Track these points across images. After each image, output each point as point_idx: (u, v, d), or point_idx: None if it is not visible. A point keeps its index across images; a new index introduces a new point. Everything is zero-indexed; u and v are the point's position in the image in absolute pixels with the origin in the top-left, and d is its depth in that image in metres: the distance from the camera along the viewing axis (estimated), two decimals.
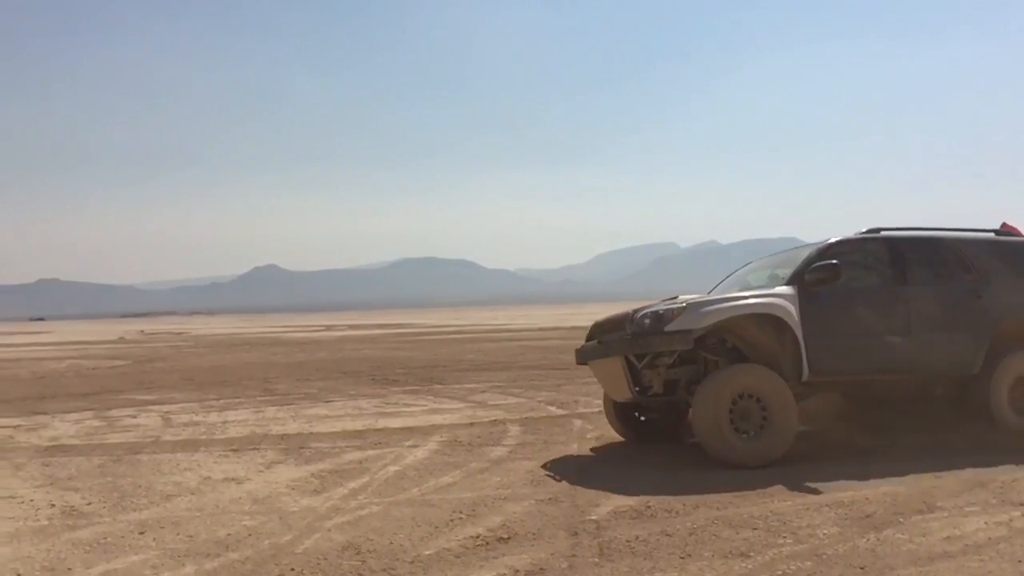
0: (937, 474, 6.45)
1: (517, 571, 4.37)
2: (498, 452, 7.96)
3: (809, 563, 4.39)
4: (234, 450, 8.51)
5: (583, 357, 8.04)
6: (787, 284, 7.47)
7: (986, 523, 5.09)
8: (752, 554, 4.55)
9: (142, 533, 5.31)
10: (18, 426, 10.66)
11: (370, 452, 8.19)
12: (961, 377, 7.89)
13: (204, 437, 9.41)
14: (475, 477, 6.85)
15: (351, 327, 55.27)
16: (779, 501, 5.72)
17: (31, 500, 6.38)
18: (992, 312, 7.93)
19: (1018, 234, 8.81)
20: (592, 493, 6.11)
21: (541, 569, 4.40)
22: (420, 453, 8.12)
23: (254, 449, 8.55)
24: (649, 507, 5.62)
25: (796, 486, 6.09)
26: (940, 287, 7.95)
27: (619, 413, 8.44)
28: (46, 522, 5.70)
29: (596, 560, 4.53)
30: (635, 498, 5.88)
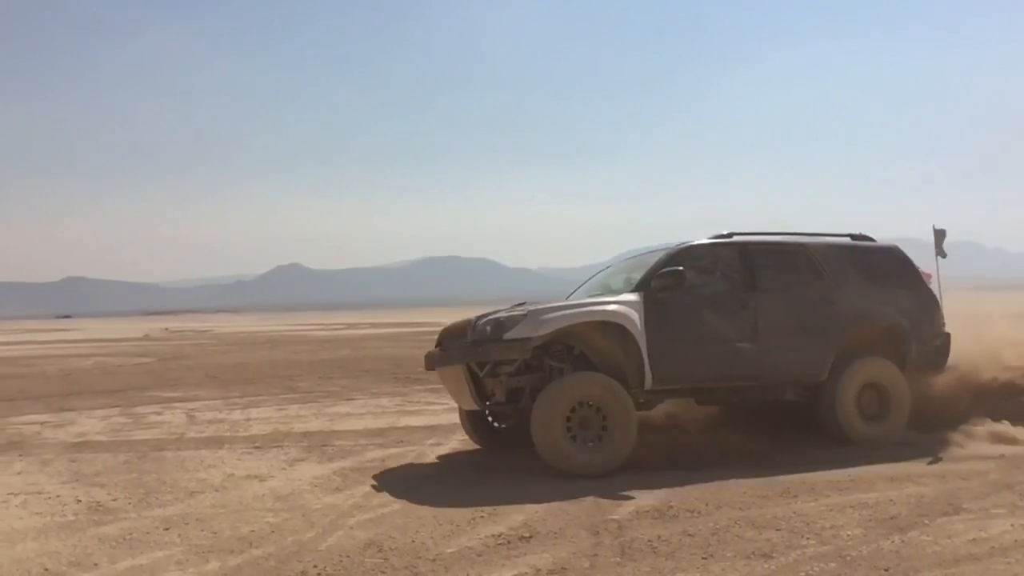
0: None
1: (539, 570, 4.37)
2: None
3: (833, 564, 4.36)
4: (257, 447, 8.58)
5: (429, 364, 7.76)
6: (634, 290, 7.33)
7: (1012, 525, 5.02)
8: (775, 555, 4.53)
9: (167, 529, 5.36)
10: (45, 422, 10.80)
11: (392, 450, 8.22)
12: (810, 383, 7.80)
13: (228, 434, 9.48)
14: (495, 475, 6.86)
15: (373, 325, 55.49)
16: (802, 502, 5.69)
17: (58, 496, 6.46)
18: (842, 318, 7.83)
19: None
20: (614, 492, 6.10)
21: (563, 568, 4.40)
22: (442, 451, 8.15)
23: (277, 447, 8.61)
24: (671, 507, 5.60)
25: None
26: (790, 292, 7.84)
27: (472, 421, 8.16)
28: (72, 517, 5.76)
29: (618, 560, 4.53)
30: (657, 498, 5.87)
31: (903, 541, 4.74)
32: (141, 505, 6.10)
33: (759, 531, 4.99)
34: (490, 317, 7.07)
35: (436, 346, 7.87)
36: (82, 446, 8.85)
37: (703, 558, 4.52)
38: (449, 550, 4.76)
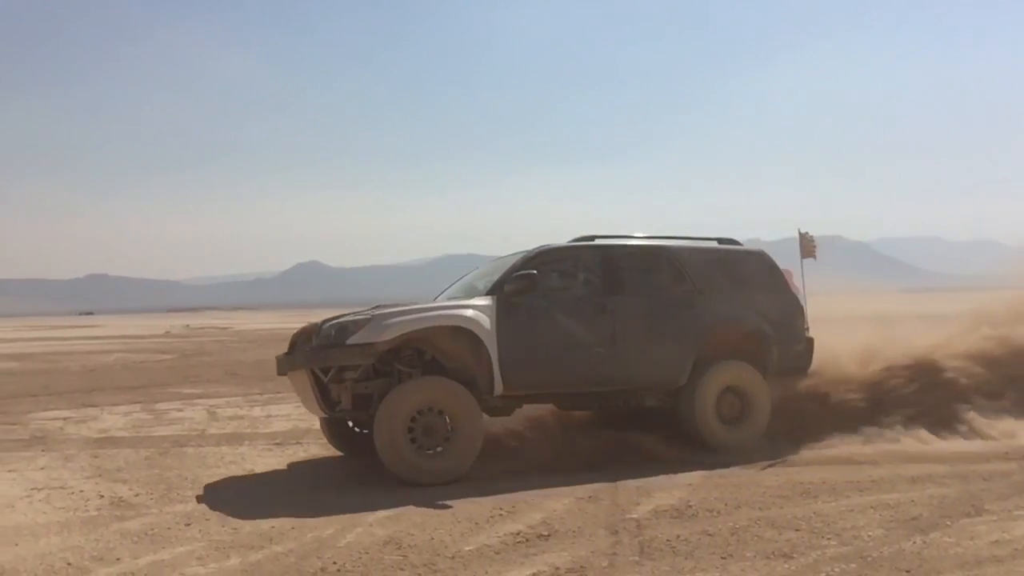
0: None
1: (557, 568, 4.37)
2: None
3: (854, 565, 4.33)
4: (277, 444, 8.64)
5: (279, 368, 7.44)
6: (487, 294, 7.17)
7: None
8: (795, 555, 4.50)
9: (188, 524, 5.40)
10: (68, 418, 10.90)
11: None
12: (670, 388, 7.70)
13: (248, 431, 9.55)
14: (513, 473, 6.87)
15: None
16: (823, 502, 5.66)
17: (81, 491, 6.52)
18: (702, 322, 7.73)
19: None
20: (633, 491, 6.10)
21: (581, 567, 4.39)
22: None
23: (297, 443, 8.66)
24: (690, 506, 5.59)
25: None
26: (651, 297, 7.72)
27: (332, 427, 7.93)
28: (95, 512, 5.82)
29: (637, 559, 4.52)
30: (676, 497, 5.86)
31: (925, 542, 4.70)
32: (163, 501, 6.15)
33: (779, 531, 4.97)
34: (336, 321, 6.92)
35: (288, 349, 7.55)
36: (104, 442, 8.93)
37: (722, 558, 4.50)
38: (467, 548, 4.77)
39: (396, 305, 7.15)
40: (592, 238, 7.92)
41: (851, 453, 7.26)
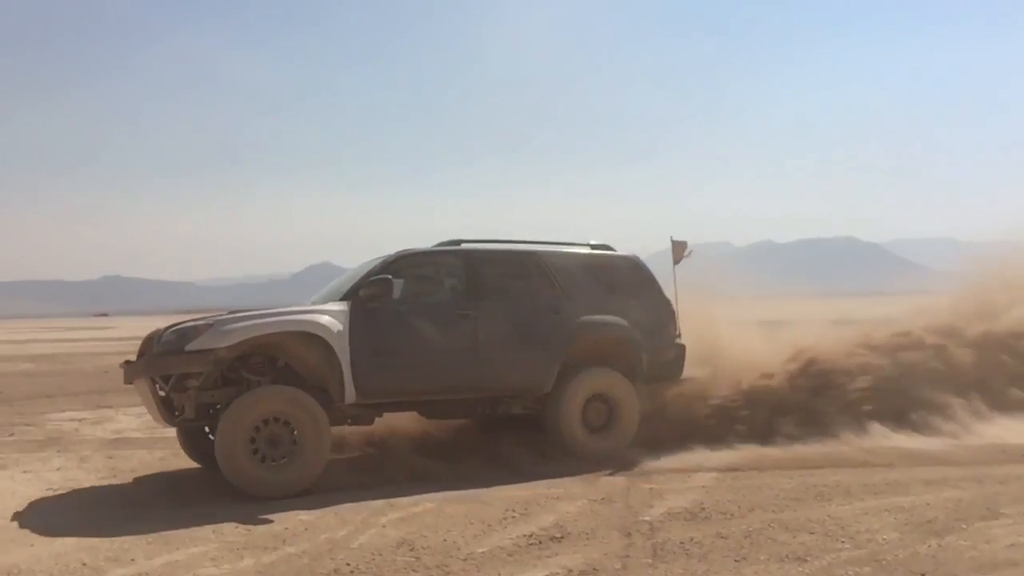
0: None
1: (570, 570, 4.37)
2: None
3: (868, 568, 4.31)
4: None
5: (125, 377, 6.98)
6: (342, 299, 6.96)
7: None
8: (809, 558, 4.49)
9: (202, 525, 5.41)
10: (83, 419, 10.97)
11: None
12: (535, 395, 7.56)
13: None
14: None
15: None
16: (837, 505, 5.63)
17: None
18: (568, 328, 7.59)
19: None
20: (646, 493, 6.08)
21: (594, 569, 4.39)
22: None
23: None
24: (703, 509, 5.58)
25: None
26: (516, 302, 7.58)
27: (188, 436, 7.51)
28: (109, 513, 5.84)
29: (650, 561, 4.51)
30: (690, 500, 5.84)
31: (940, 546, 4.68)
32: (176, 502, 6.17)
33: (793, 534, 4.95)
34: (177, 327, 6.64)
35: (137, 356, 7.05)
36: (119, 443, 8.98)
37: (736, 560, 4.49)
38: (480, 549, 4.77)
39: (249, 309, 6.85)
40: (458, 242, 7.76)
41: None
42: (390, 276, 6.94)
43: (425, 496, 6.10)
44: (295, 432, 6.41)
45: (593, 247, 8.34)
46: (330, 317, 6.72)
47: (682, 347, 8.27)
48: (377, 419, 7.38)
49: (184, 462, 7.58)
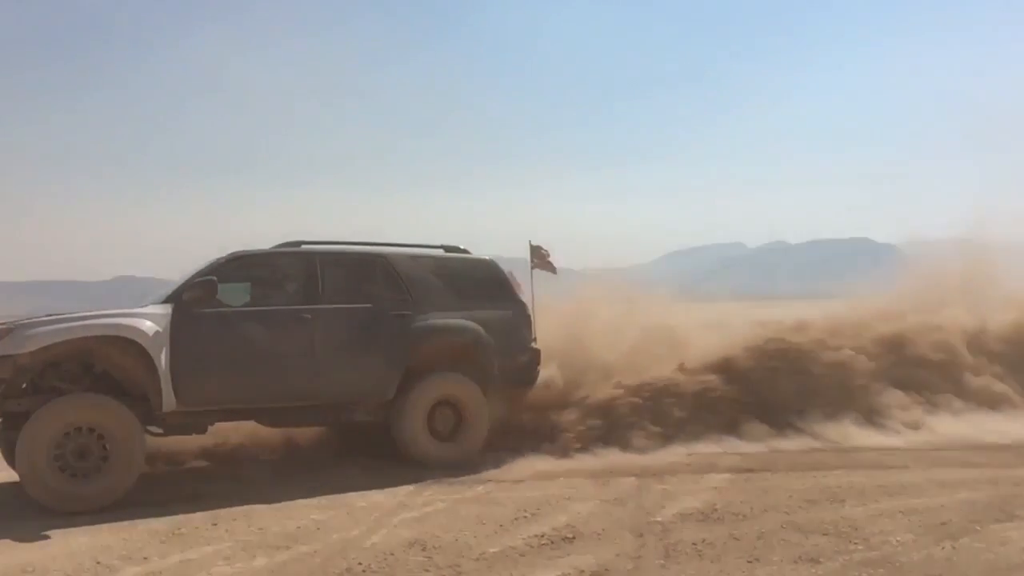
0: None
1: (582, 571, 4.36)
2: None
3: (882, 571, 4.29)
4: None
5: None
6: (166, 301, 6.60)
7: None
8: (822, 560, 4.47)
9: (215, 524, 5.43)
10: None
11: None
12: (377, 402, 7.28)
13: None
14: (541, 478, 6.86)
15: None
16: (851, 507, 5.60)
17: None
18: (414, 333, 7.33)
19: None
20: (658, 494, 6.07)
21: (606, 570, 4.38)
22: None
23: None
24: (716, 510, 5.56)
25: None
26: (359, 306, 7.26)
27: (9, 446, 6.76)
28: (124, 512, 5.86)
29: (662, 562, 4.50)
30: (702, 501, 5.82)
31: (955, 548, 4.65)
32: (191, 501, 6.18)
33: (806, 536, 4.93)
34: None
35: None
36: None
37: (748, 562, 4.48)
38: (492, 550, 4.77)
39: (68, 312, 6.44)
40: (298, 244, 7.46)
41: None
42: (215, 278, 6.62)
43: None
44: (106, 443, 6.05)
45: (447, 249, 8.12)
46: (149, 321, 6.35)
47: (537, 351, 8.07)
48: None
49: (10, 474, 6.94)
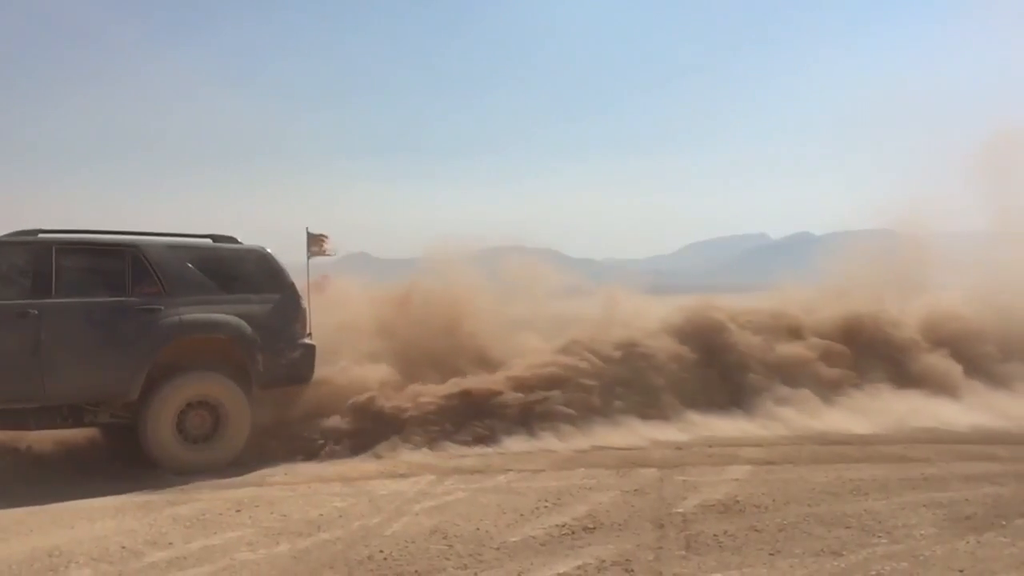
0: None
1: (603, 561, 4.37)
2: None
3: (905, 564, 4.27)
4: None
5: None
6: None
7: None
8: (845, 553, 4.45)
9: (238, 511, 5.49)
10: None
11: None
12: (118, 403, 6.86)
13: None
14: (561, 468, 6.86)
15: None
16: (873, 500, 5.56)
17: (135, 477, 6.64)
18: (164, 328, 6.85)
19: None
20: (679, 486, 6.06)
21: (627, 560, 4.38)
22: None
23: None
24: (738, 502, 5.54)
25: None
26: (98, 300, 6.78)
27: None
28: (148, 497, 5.93)
29: (683, 553, 4.49)
30: (723, 493, 5.81)
31: (979, 542, 4.61)
32: (213, 487, 6.25)
33: (828, 528, 4.90)
34: None
35: None
36: None
37: (770, 554, 4.46)
38: (513, 539, 4.78)
39: None
40: (36, 232, 6.89)
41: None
42: None
43: None
44: None
45: (215, 239, 7.62)
46: None
47: (311, 347, 7.67)
48: None
49: None
